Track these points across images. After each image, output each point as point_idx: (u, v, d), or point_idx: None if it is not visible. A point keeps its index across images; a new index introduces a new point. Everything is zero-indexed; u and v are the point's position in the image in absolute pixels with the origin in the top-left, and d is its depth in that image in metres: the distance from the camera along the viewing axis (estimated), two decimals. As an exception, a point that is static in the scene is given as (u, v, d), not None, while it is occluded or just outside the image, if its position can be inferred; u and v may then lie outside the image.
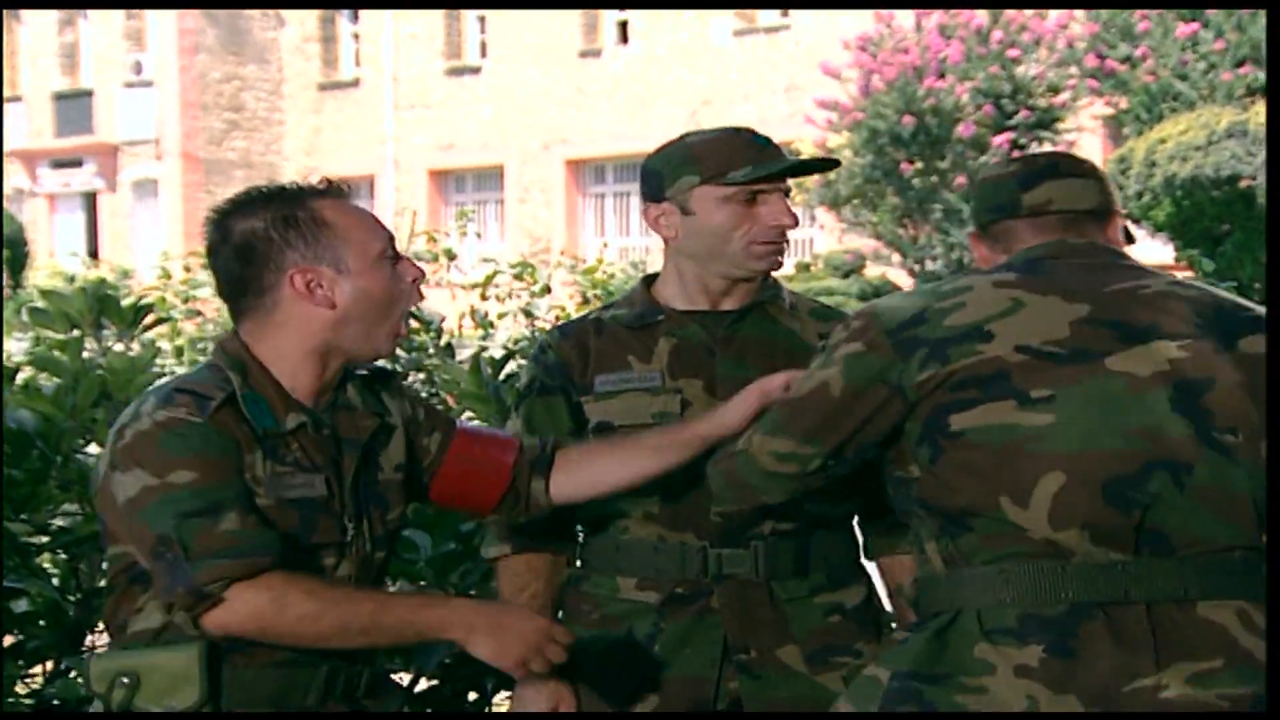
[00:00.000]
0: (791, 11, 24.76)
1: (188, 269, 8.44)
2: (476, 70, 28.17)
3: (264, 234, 2.38)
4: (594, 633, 2.81)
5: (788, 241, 2.85)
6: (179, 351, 7.05)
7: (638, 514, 2.80)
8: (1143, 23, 19.31)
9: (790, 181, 2.84)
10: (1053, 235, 2.43)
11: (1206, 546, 2.20)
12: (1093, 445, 2.18)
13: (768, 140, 2.83)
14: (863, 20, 21.58)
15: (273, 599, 2.24)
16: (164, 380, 2.47)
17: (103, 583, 3.57)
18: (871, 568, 2.96)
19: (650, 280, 2.95)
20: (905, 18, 20.68)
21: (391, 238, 2.46)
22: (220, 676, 2.30)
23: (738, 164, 2.78)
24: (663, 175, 2.82)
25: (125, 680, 2.28)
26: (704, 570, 2.77)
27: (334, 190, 2.44)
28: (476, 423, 2.79)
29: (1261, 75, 18.75)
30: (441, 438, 2.59)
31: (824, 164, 2.92)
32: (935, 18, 20.28)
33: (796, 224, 2.82)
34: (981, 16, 20.15)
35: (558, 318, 7.68)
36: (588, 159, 27.07)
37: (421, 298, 2.49)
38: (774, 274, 2.90)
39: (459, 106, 28.14)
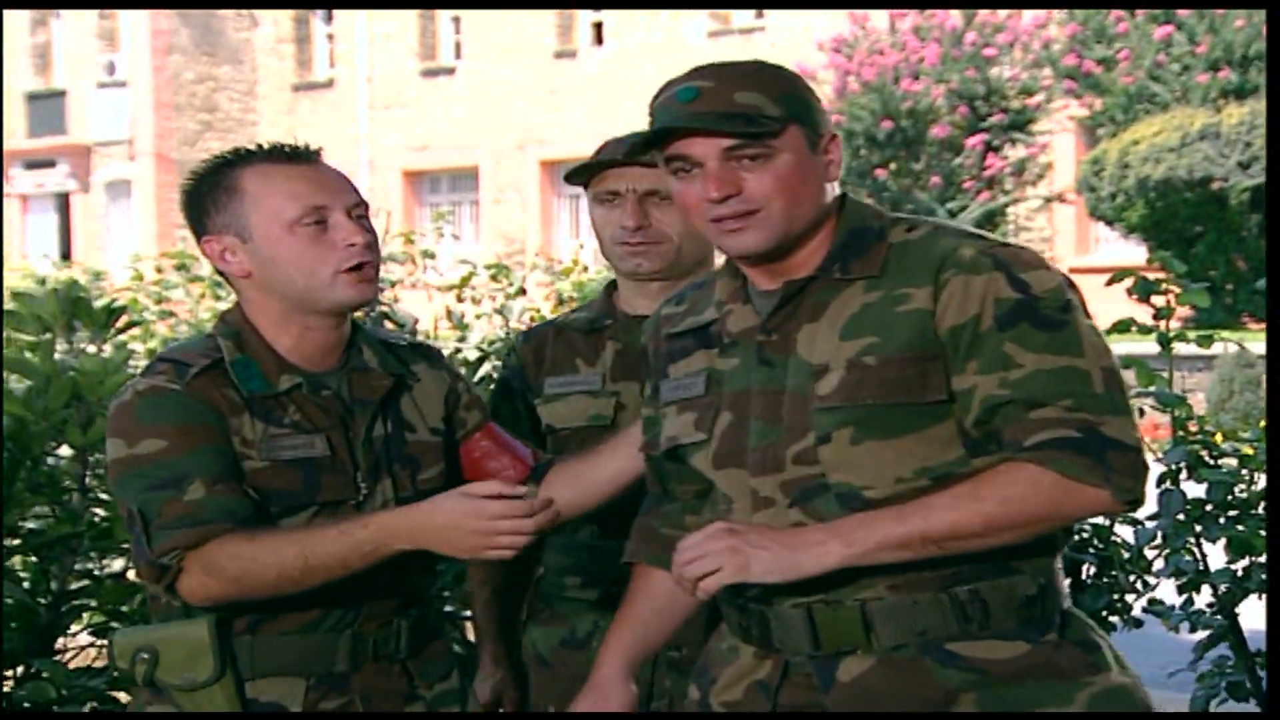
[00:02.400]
0: (766, 12, 24.77)
1: (160, 270, 8.40)
2: (451, 71, 28.11)
3: (189, 202, 2.45)
4: (544, 630, 2.87)
5: (646, 245, 2.78)
6: (152, 354, 7.02)
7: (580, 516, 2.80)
8: (1120, 24, 19.38)
9: None
10: None
11: None
12: None
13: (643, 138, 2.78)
14: (837, 21, 21.60)
15: (205, 568, 2.27)
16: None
17: (73, 585, 3.55)
18: None
19: (614, 285, 2.96)
20: (879, 19, 20.72)
21: (324, 205, 2.35)
22: (231, 648, 2.33)
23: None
24: None
25: (145, 655, 2.33)
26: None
27: (279, 152, 2.40)
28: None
29: (1234, 77, 18.84)
30: (479, 418, 2.58)
31: (630, 163, 2.76)
32: (910, 19, 20.33)
33: (637, 228, 2.76)
34: (955, 18, 20.21)
35: (532, 319, 7.67)
36: (562, 159, 27.02)
37: (367, 257, 2.37)
38: None
39: (433, 107, 28.08)
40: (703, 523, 2.28)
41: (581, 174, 2.84)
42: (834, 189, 2.21)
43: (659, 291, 2.83)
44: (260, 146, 2.42)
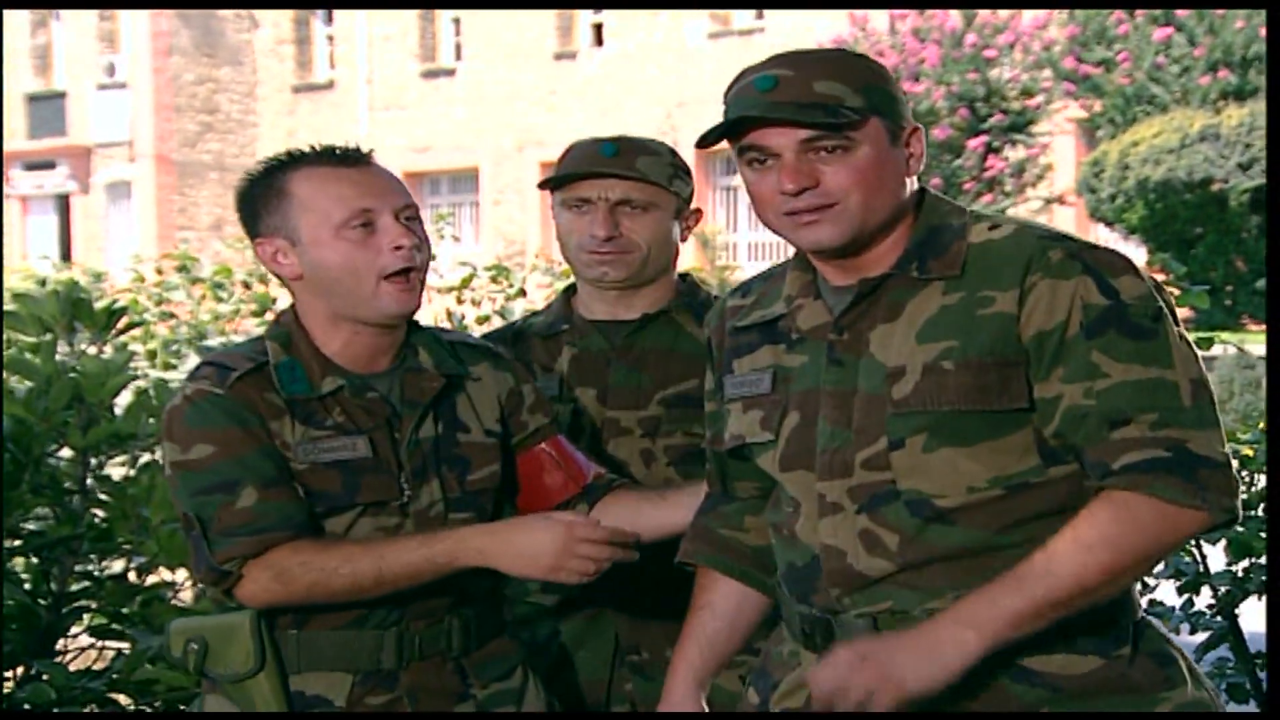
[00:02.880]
0: (766, 14, 24.77)
1: (160, 271, 8.41)
2: (451, 72, 28.11)
3: (241, 204, 2.43)
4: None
5: (615, 255, 2.78)
6: (152, 355, 7.03)
7: None
8: (1121, 26, 19.38)
9: None
10: None
11: None
12: None
13: (617, 149, 2.78)
14: (837, 23, 21.61)
15: (276, 576, 2.29)
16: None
17: (74, 587, 3.55)
18: None
19: (573, 289, 2.96)
20: (879, 20, 20.72)
21: (370, 208, 2.37)
22: (274, 641, 2.35)
23: (563, 170, 2.81)
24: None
25: (194, 646, 2.36)
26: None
27: (329, 155, 2.40)
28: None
29: (1234, 78, 18.85)
30: (544, 423, 2.57)
31: (606, 174, 2.78)
32: (910, 21, 20.34)
33: (608, 238, 2.76)
34: (955, 19, 20.22)
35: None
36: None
37: (413, 261, 2.37)
38: (702, 276, 2.90)
39: (433, 108, 28.08)
40: (759, 524, 2.27)
41: (562, 183, 2.82)
42: (913, 183, 2.14)
43: (616, 299, 2.85)
44: (312, 148, 2.43)
